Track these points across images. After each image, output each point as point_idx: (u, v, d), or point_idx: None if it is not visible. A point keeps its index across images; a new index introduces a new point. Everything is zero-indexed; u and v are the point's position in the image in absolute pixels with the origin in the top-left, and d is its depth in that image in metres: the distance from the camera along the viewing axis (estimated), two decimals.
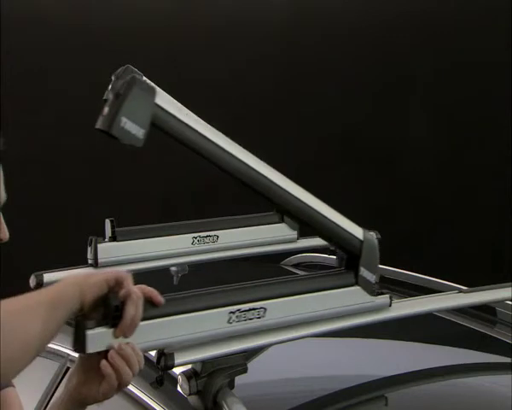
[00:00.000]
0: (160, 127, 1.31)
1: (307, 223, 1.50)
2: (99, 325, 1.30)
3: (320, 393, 1.67)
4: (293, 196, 1.45)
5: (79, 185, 4.77)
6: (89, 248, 2.10)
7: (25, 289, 2.19)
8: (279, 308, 1.48)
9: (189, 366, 1.43)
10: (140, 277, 2.22)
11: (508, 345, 1.95)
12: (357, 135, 4.86)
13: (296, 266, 2.66)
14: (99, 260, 2.09)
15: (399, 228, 4.52)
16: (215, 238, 2.26)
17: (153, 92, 1.28)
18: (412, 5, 4.85)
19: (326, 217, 1.50)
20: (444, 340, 2.03)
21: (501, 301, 1.98)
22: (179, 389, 1.44)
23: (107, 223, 2.14)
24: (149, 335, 1.35)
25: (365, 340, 1.96)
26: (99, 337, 1.29)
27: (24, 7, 4.80)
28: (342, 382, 1.73)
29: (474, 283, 1.86)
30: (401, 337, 2.01)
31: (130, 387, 1.65)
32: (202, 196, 4.78)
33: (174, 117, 1.31)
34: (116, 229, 2.14)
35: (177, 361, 1.37)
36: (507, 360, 1.89)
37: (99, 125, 1.26)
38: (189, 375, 1.42)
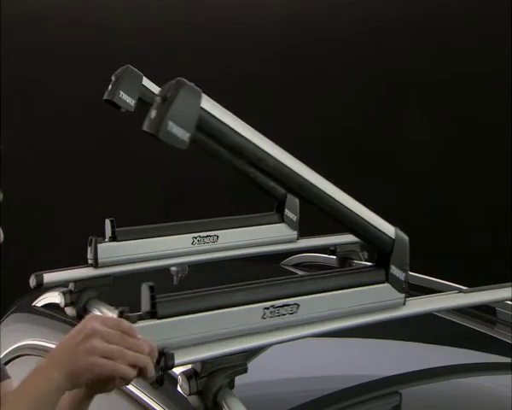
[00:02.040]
0: (205, 130, 1.32)
1: (340, 221, 1.53)
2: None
3: (320, 393, 1.67)
4: (327, 194, 1.48)
5: (79, 185, 4.78)
6: (89, 248, 2.11)
7: (25, 289, 2.20)
8: (312, 304, 1.50)
9: (189, 366, 1.43)
10: (140, 277, 2.23)
11: (508, 345, 1.95)
12: (357, 136, 4.86)
13: (296, 266, 2.67)
14: (99, 260, 2.09)
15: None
16: (215, 238, 2.26)
17: (198, 96, 1.30)
18: (413, 6, 4.85)
19: (359, 215, 1.53)
20: (444, 340, 2.03)
21: (501, 301, 1.98)
22: (179, 389, 1.44)
23: (107, 223, 2.15)
24: (186, 329, 1.38)
25: (365, 340, 1.96)
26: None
27: (24, 7, 4.80)
28: (342, 382, 1.73)
29: (474, 283, 1.86)
30: (401, 337, 2.01)
31: (131, 387, 1.66)
32: (202, 196, 4.78)
33: (219, 121, 1.33)
34: (116, 229, 2.14)
35: (177, 361, 1.37)
36: (507, 360, 1.89)
37: (146, 127, 1.27)
38: (189, 375, 1.42)
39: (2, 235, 1.51)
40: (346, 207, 1.51)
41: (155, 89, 2.20)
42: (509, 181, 4.67)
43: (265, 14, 4.89)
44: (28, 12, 4.79)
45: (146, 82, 2.19)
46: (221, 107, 1.35)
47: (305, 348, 1.77)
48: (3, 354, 2.24)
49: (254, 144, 1.38)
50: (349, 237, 2.44)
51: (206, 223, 2.28)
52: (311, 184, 1.46)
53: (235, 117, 1.37)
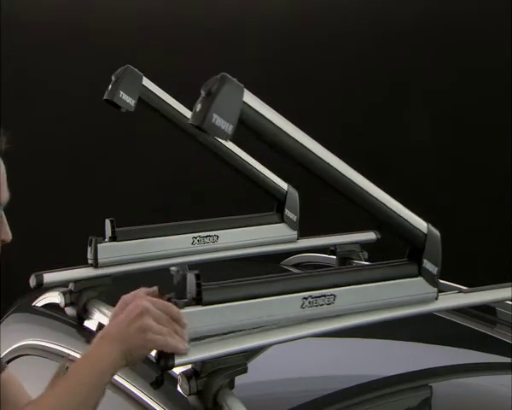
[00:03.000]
0: (247, 124, 1.38)
1: (374, 215, 1.58)
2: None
3: (320, 393, 1.67)
4: (364, 190, 1.53)
5: (79, 185, 4.77)
6: (89, 248, 2.11)
7: (25, 289, 2.20)
8: (348, 296, 1.55)
9: (189, 366, 1.43)
10: (140, 277, 2.23)
11: (508, 345, 1.95)
12: (357, 137, 4.86)
13: (296, 266, 2.67)
14: (99, 260, 2.09)
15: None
16: (215, 238, 2.26)
17: (241, 90, 1.36)
18: (414, 6, 4.84)
19: (394, 210, 1.59)
20: (444, 340, 2.03)
21: (501, 301, 1.98)
22: (179, 389, 1.44)
23: (107, 223, 2.15)
24: (229, 316, 1.43)
25: (365, 340, 1.96)
26: None
27: (24, 7, 4.80)
28: (342, 382, 1.73)
29: (474, 283, 1.86)
30: (401, 337, 2.01)
31: (130, 387, 1.66)
32: (202, 196, 4.78)
33: (260, 114, 1.39)
34: (116, 229, 2.14)
35: (177, 361, 1.37)
36: (507, 360, 1.89)
37: (192, 120, 1.34)
38: (189, 375, 1.42)
39: (10, 234, 1.52)
40: (382, 203, 1.56)
41: (155, 89, 2.20)
42: (509, 181, 4.67)
43: (266, 14, 4.89)
44: (28, 12, 4.79)
45: (146, 82, 2.19)
46: (262, 102, 1.39)
47: (305, 348, 1.77)
48: (3, 353, 2.24)
49: (293, 139, 1.44)
50: (349, 237, 2.45)
51: (206, 223, 2.29)
52: (349, 179, 1.50)
53: (275, 112, 1.42)
